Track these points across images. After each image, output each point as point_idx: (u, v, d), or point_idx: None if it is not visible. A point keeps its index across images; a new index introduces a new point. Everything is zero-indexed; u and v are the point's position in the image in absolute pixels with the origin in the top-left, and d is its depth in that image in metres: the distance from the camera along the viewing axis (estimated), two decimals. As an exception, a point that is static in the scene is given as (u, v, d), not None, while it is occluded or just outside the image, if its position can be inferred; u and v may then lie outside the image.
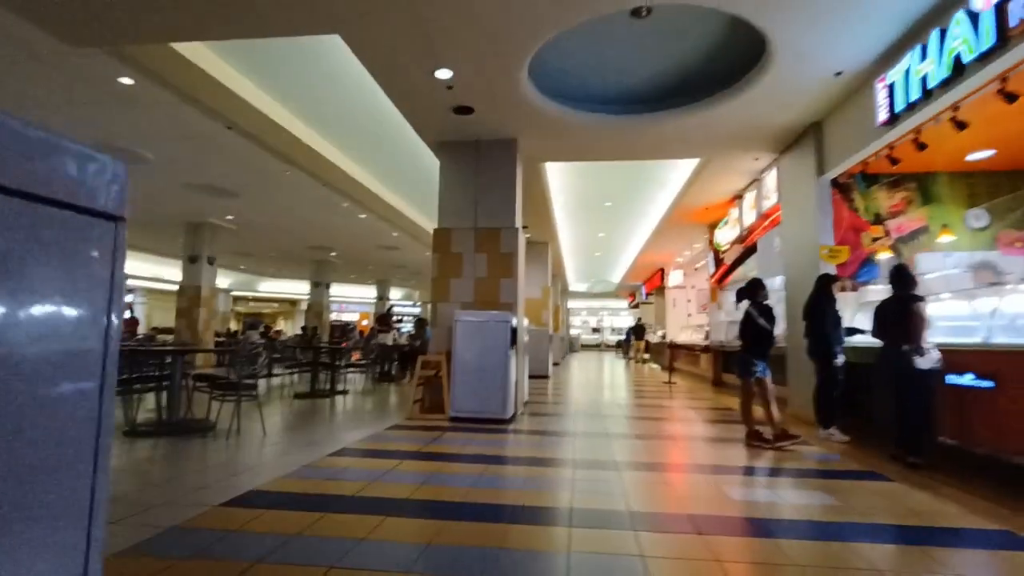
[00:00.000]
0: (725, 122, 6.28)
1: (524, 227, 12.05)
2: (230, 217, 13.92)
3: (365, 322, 31.43)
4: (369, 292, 29.09)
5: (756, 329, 5.02)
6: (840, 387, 5.18)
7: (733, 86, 5.72)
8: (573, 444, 4.78)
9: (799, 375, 6.51)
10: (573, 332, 35.45)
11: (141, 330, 22.28)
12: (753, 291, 5.18)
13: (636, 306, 29.51)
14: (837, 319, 5.22)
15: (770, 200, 7.74)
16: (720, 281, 11.32)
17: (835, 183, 6.26)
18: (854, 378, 5.26)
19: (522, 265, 6.94)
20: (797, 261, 6.60)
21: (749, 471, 4.04)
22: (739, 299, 5.26)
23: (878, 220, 6.45)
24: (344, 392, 8.66)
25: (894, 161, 5.48)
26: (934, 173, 6.40)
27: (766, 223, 8.22)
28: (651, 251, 16.14)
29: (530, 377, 11.64)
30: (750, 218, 8.77)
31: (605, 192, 11.23)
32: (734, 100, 5.79)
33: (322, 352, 8.78)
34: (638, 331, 21.63)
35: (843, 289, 5.45)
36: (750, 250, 9.50)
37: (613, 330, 37.82)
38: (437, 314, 6.65)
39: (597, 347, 36.79)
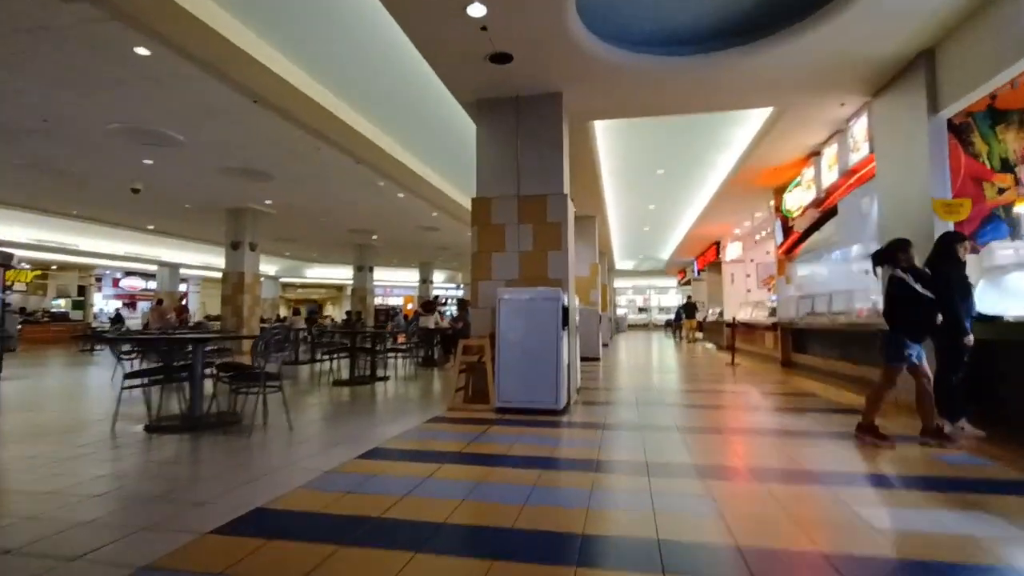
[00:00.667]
0: (811, 57, 5.28)
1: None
2: (268, 201, 13.72)
3: (411, 305, 31.40)
4: (412, 276, 28.91)
5: (909, 300, 4.05)
6: (963, 370, 4.23)
7: (824, 8, 4.73)
8: (640, 441, 4.04)
9: (902, 355, 5.53)
10: (619, 312, 34.43)
11: (196, 318, 22.87)
12: (894, 253, 4.23)
13: (687, 283, 28.20)
14: (966, 288, 4.24)
15: (859, 153, 6.65)
16: (789, 252, 10.20)
17: (948, 124, 5.19)
18: (980, 359, 4.30)
19: (571, 236, 6.18)
20: (899, 221, 5.56)
21: (876, 480, 3.20)
22: (876, 263, 4.35)
23: (1006, 167, 5.33)
24: (385, 378, 8.18)
25: (1037, 89, 4.40)
26: (1079, 106, 5.22)
27: (851, 181, 7.12)
28: (706, 223, 15.00)
29: (581, 360, 10.93)
30: (830, 178, 7.66)
31: (657, 159, 10.26)
32: (824, 28, 4.80)
33: (361, 336, 8.31)
34: (689, 309, 20.48)
35: (967, 251, 4.45)
36: (829, 214, 8.39)
37: (660, 309, 36.56)
38: (478, 293, 6.00)
39: (644, 327, 35.73)
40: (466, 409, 5.43)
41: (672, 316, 26.88)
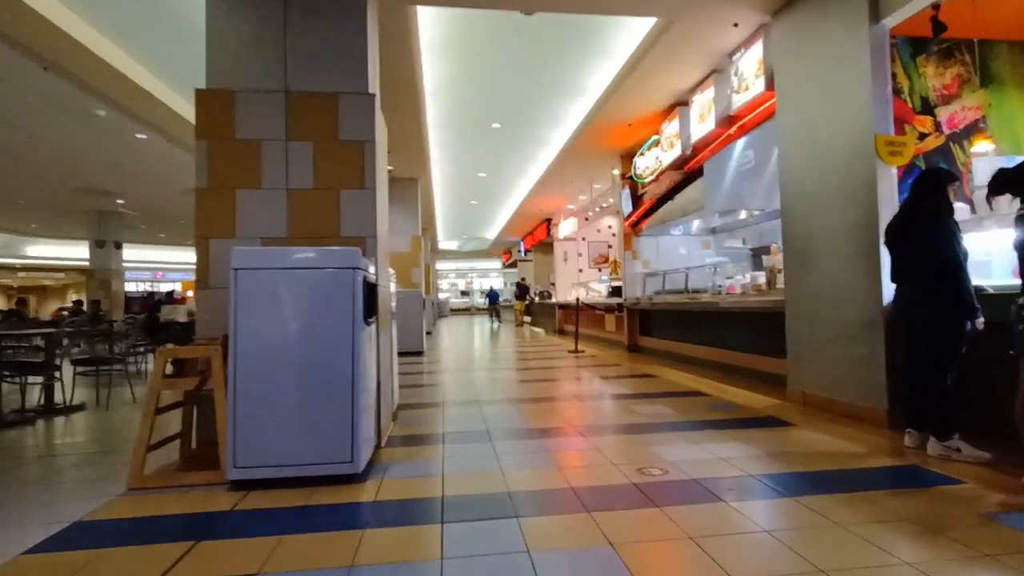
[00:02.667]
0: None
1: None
2: None
3: (191, 293, 25.50)
4: (191, 256, 23.29)
5: None
6: (959, 367, 2.96)
7: None
8: (525, 564, 1.93)
9: (813, 343, 4.33)
10: (441, 296, 32.78)
11: None
12: None
13: (512, 265, 27.40)
14: (964, 248, 2.94)
15: (747, 94, 5.39)
16: (636, 225, 9.09)
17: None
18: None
19: (383, 166, 3.83)
20: (816, 171, 4.30)
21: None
22: (998, 191, 2.55)
23: (926, 108, 4.36)
24: (71, 409, 4.93)
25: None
26: (995, 41, 4.44)
27: (732, 130, 5.92)
28: (540, 196, 13.67)
29: (401, 354, 8.64)
30: (701, 130, 6.43)
31: (495, 107, 8.30)
32: None
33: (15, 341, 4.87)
34: (520, 291, 19.37)
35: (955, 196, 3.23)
36: (692, 177, 7.26)
37: (482, 293, 35.76)
38: (210, 262, 3.32)
39: (467, 311, 34.64)
40: (173, 482, 2.78)
41: (488, 298, 25.77)
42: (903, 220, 3.16)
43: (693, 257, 9.54)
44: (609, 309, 10.11)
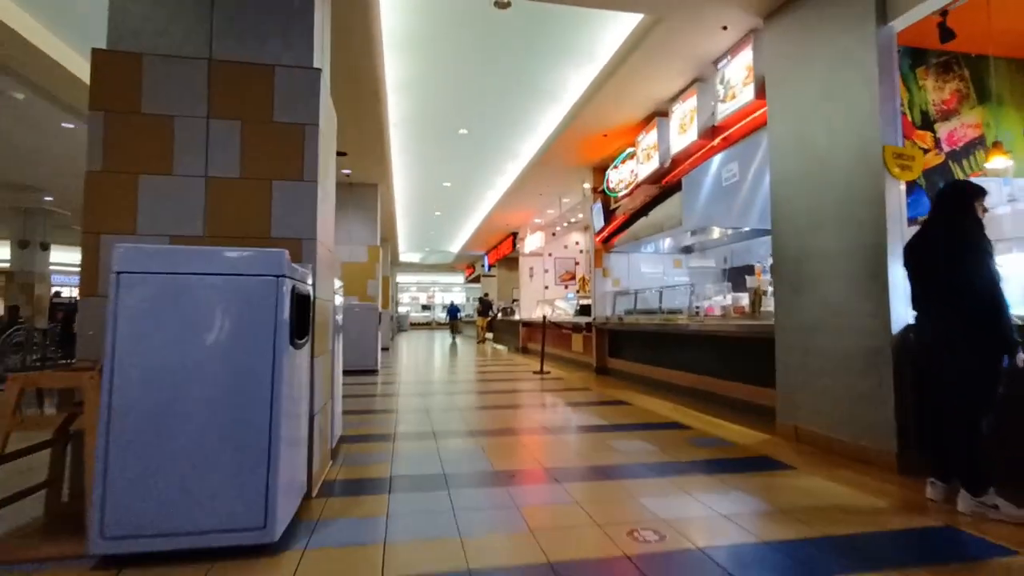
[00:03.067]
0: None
1: (341, 153, 8.13)
2: None
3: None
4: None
5: None
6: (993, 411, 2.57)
7: None
8: None
9: (808, 374, 3.93)
10: (402, 310, 31.98)
11: None
12: None
13: (475, 280, 26.83)
14: (997, 271, 2.58)
15: (733, 103, 5.05)
16: (607, 241, 8.71)
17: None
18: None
19: (328, 159, 3.24)
20: (810, 184, 3.95)
21: None
22: None
23: (926, 122, 4.09)
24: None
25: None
26: (995, 58, 4.21)
27: (715, 142, 5.58)
28: (507, 208, 13.21)
29: (352, 372, 7.93)
30: (681, 142, 6.08)
31: (463, 110, 7.80)
32: None
33: None
34: (484, 307, 18.79)
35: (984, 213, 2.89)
36: (670, 191, 6.91)
37: (444, 307, 35.06)
38: (99, 265, 2.65)
39: (428, 325, 33.84)
40: (18, 559, 2.08)
41: (447, 314, 25.14)
42: (924, 239, 2.79)
43: (662, 276, 9.25)
44: (577, 328, 9.66)
